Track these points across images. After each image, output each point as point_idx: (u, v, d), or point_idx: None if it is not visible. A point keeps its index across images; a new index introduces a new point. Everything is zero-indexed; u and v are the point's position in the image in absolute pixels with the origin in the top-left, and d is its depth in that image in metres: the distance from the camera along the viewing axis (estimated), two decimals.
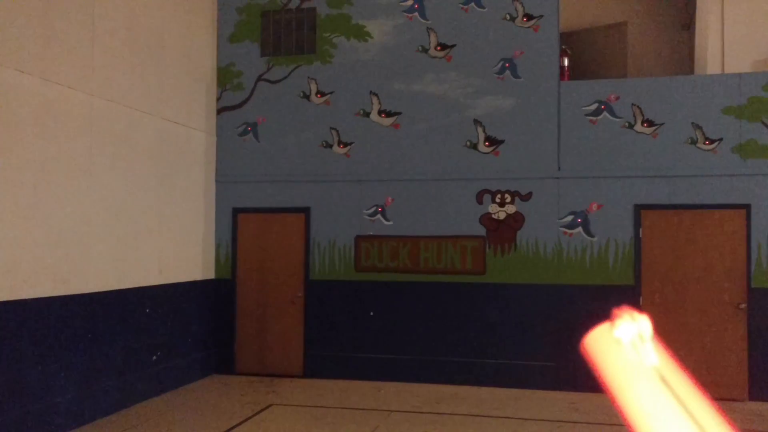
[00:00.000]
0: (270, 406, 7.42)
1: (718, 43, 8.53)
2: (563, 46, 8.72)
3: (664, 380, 0.99)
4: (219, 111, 9.14)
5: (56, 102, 6.20)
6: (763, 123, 7.69)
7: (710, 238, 7.77)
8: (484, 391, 7.99)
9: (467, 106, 8.44)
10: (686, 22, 9.88)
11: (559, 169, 8.18)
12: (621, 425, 1.01)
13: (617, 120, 8.04)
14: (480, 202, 8.37)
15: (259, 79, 9.05)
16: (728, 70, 8.39)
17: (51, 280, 6.11)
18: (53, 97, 6.16)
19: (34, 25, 5.94)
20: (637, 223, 7.95)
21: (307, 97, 8.91)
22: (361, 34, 8.79)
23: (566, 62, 8.76)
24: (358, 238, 8.68)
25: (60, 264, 6.23)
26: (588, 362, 1.09)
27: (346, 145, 8.77)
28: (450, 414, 7.10)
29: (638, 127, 7.98)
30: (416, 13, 8.64)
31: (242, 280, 9.00)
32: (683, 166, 7.85)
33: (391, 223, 8.60)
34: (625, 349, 1.03)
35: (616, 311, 1.08)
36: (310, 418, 7.03)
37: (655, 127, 7.94)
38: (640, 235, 7.93)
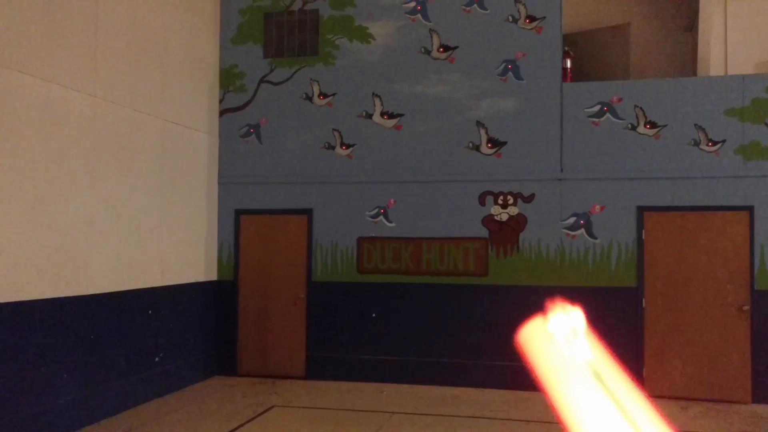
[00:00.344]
0: (272, 407, 7.41)
1: (721, 44, 8.52)
2: (566, 48, 8.72)
3: (597, 375, 0.98)
4: (221, 112, 9.15)
5: (59, 103, 6.21)
6: (766, 125, 7.67)
7: (713, 240, 7.75)
8: (487, 393, 7.98)
9: (470, 108, 8.44)
10: (689, 24, 9.87)
11: (562, 170, 8.17)
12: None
13: (620, 122, 8.03)
14: (482, 203, 8.36)
15: (262, 80, 9.06)
16: (731, 71, 8.38)
17: (54, 282, 6.12)
18: (56, 98, 6.17)
19: (37, 26, 5.95)
20: (640, 225, 7.93)
21: (309, 98, 8.92)
22: (363, 35, 8.79)
23: (569, 64, 8.76)
24: (361, 240, 8.68)
25: (63, 265, 6.23)
26: (523, 358, 1.07)
27: (348, 146, 8.77)
28: (452, 416, 7.09)
29: (641, 128, 7.97)
30: (419, 15, 8.64)
31: (244, 282, 9.00)
32: (686, 167, 7.83)
33: (393, 224, 8.60)
34: (558, 343, 1.01)
35: (549, 305, 1.06)
36: (312, 420, 7.03)
37: (658, 129, 7.93)
38: (643, 237, 7.92)
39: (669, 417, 1.01)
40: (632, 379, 1.03)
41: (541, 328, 1.04)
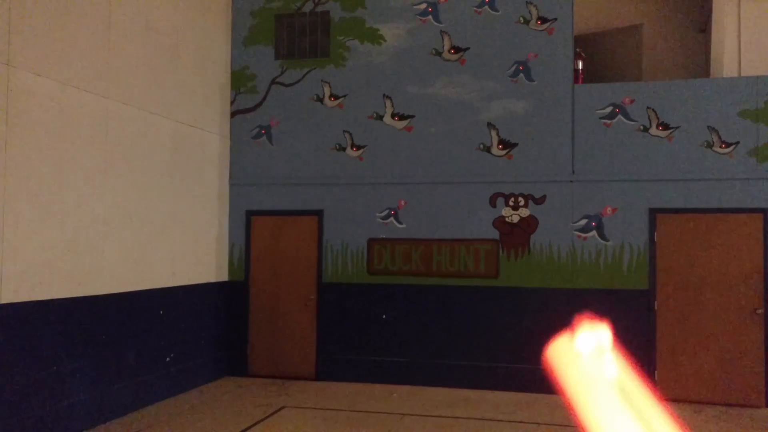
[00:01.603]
0: (282, 408, 7.43)
1: (734, 45, 8.45)
2: (577, 49, 8.68)
3: (624, 393, 0.97)
4: (233, 114, 9.19)
5: (72, 105, 6.26)
6: None
7: (726, 243, 7.69)
8: (497, 395, 7.95)
9: (481, 109, 8.42)
10: (702, 25, 9.80)
11: (574, 172, 8.14)
12: None
13: (632, 123, 7.99)
14: (493, 205, 8.34)
15: (273, 82, 9.09)
16: (745, 72, 8.31)
17: (66, 282, 6.16)
18: (69, 99, 6.22)
19: (50, 28, 6.00)
20: (652, 227, 7.88)
21: (320, 100, 8.93)
22: (374, 37, 8.80)
23: (580, 65, 8.72)
24: (371, 241, 8.68)
25: (75, 266, 6.28)
26: (551, 374, 1.06)
27: (359, 148, 8.78)
28: (463, 418, 7.07)
29: (653, 130, 7.93)
30: (430, 17, 8.64)
31: (255, 283, 9.02)
32: (699, 169, 7.78)
33: (403, 226, 8.59)
34: (585, 361, 1.00)
35: (576, 321, 1.05)
36: (322, 421, 7.03)
37: (671, 131, 7.88)
38: (655, 239, 7.86)
39: (681, 421, 1.00)
40: (644, 383, 1.02)
41: (568, 345, 1.03)
